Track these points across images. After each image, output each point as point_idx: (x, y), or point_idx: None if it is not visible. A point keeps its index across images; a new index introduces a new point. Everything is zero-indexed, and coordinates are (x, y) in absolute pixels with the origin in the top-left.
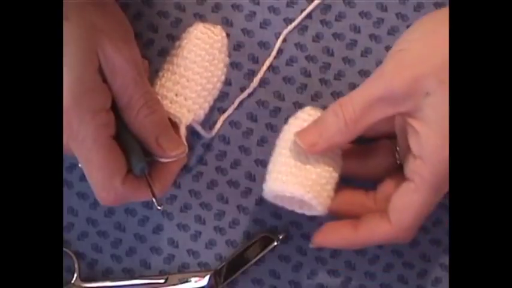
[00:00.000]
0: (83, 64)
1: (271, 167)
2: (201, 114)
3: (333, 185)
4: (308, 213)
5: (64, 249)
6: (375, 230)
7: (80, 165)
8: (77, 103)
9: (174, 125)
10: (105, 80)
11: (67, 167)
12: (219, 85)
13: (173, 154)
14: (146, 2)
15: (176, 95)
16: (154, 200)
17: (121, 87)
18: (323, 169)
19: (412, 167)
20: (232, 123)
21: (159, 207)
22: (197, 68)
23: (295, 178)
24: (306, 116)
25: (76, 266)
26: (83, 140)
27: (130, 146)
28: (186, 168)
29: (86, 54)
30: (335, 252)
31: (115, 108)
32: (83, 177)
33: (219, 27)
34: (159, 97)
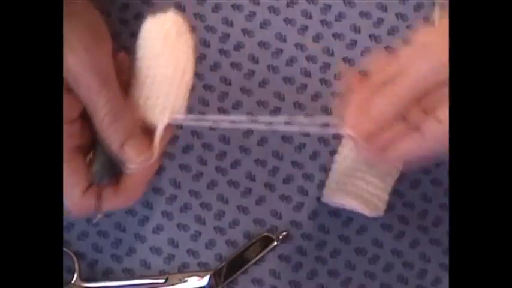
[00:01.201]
0: None
1: (335, 176)
2: (179, 108)
3: (389, 189)
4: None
5: (64, 249)
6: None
7: None
8: None
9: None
10: (72, 90)
11: None
12: (188, 69)
13: (139, 161)
14: (146, 2)
15: (147, 98)
16: (98, 215)
17: (85, 96)
18: (381, 178)
19: None
20: (230, 123)
21: (94, 220)
22: (156, 64)
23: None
24: None
25: (76, 266)
26: None
27: (97, 154)
28: (186, 168)
29: None
30: (335, 252)
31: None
32: None
33: (169, 12)
34: (135, 105)
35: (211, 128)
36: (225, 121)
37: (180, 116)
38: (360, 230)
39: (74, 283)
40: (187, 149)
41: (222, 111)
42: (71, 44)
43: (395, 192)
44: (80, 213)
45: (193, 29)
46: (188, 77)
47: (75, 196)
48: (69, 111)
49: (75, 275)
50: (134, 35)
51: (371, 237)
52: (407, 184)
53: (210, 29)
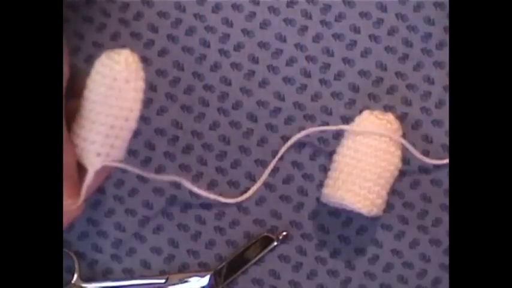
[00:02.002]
0: None
1: (334, 174)
2: (116, 154)
3: (388, 188)
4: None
5: (64, 249)
6: None
7: None
8: None
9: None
10: None
11: None
12: (132, 118)
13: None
14: (146, 2)
15: (84, 140)
16: None
17: None
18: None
19: None
20: (232, 123)
21: None
22: (99, 106)
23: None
24: (366, 123)
25: (76, 266)
26: None
27: None
28: (186, 168)
29: None
30: (335, 252)
31: None
32: None
33: (124, 51)
34: (73, 142)
35: (211, 128)
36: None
37: (114, 163)
38: (360, 230)
39: (74, 283)
40: (187, 149)
41: (221, 111)
42: None
43: (395, 192)
44: None
45: (193, 29)
46: (130, 125)
47: None
48: None
49: (75, 275)
50: (134, 35)
51: (371, 237)
52: (407, 184)
53: (210, 29)
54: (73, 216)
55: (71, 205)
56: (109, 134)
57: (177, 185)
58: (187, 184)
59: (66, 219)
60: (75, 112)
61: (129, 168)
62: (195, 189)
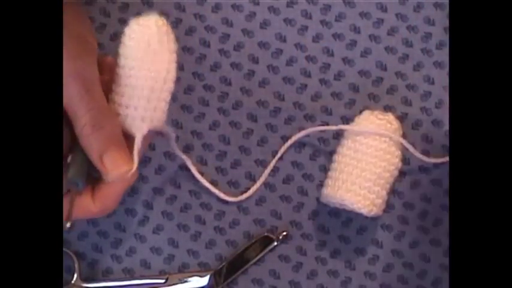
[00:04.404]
0: None
1: (334, 174)
2: (159, 117)
3: (387, 188)
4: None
5: (64, 249)
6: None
7: None
8: None
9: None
10: None
11: None
12: (170, 78)
13: (115, 174)
14: (146, 2)
15: (126, 107)
16: (66, 224)
17: (66, 104)
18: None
19: None
20: (232, 123)
21: (67, 225)
22: (138, 71)
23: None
24: (366, 123)
25: (76, 266)
26: None
27: (75, 159)
28: (186, 168)
29: None
30: (335, 252)
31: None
32: None
33: (153, 15)
34: (115, 112)
35: (211, 128)
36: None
37: (159, 127)
38: (360, 230)
39: (74, 283)
40: (187, 149)
41: (221, 111)
42: (65, 49)
43: (395, 193)
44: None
45: (193, 29)
46: (169, 86)
47: None
48: None
49: (75, 275)
50: None
51: (371, 237)
52: (407, 184)
53: (210, 29)
54: (131, 182)
55: (128, 172)
56: (150, 98)
57: (177, 185)
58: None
59: (124, 186)
60: (110, 84)
61: (172, 134)
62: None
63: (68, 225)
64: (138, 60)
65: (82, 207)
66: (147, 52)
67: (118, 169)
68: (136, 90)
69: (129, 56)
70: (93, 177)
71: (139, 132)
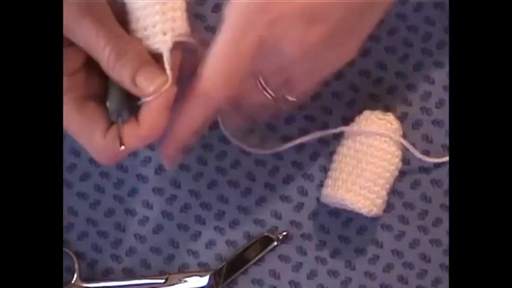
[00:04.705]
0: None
1: (334, 174)
2: (180, 26)
3: (387, 188)
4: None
5: (64, 249)
6: (195, 90)
7: None
8: None
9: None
10: (71, 43)
11: (67, 167)
12: None
13: (151, 90)
14: None
15: (145, 29)
16: (121, 142)
17: (84, 43)
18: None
19: (224, 12)
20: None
21: (121, 148)
22: None
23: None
24: (366, 123)
25: (76, 266)
26: None
27: (109, 97)
28: (186, 168)
29: None
30: (335, 252)
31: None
32: (83, 177)
33: None
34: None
35: (211, 128)
36: None
37: (183, 38)
38: (360, 230)
39: (74, 283)
40: (187, 149)
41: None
42: None
43: (395, 192)
44: (106, 157)
45: (193, 29)
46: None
47: (96, 140)
48: (70, 63)
49: (75, 275)
50: None
51: (371, 237)
52: (407, 184)
53: (210, 29)
54: (170, 97)
55: (163, 84)
56: (164, 10)
57: (177, 185)
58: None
59: (164, 102)
60: (122, 14)
61: (199, 47)
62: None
63: (122, 147)
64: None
65: (129, 134)
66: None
67: (153, 84)
68: (147, 8)
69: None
70: (134, 106)
71: (164, 45)
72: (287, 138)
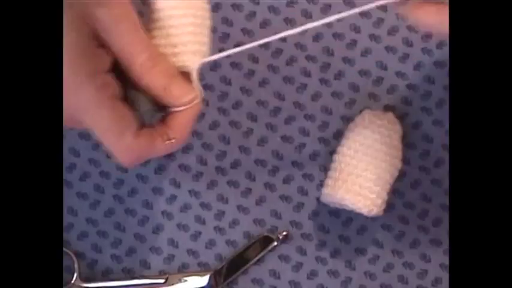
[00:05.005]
0: (74, 31)
1: (334, 174)
2: (206, 51)
3: (388, 188)
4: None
5: (64, 249)
6: None
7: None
8: (73, 68)
9: (186, 76)
10: (102, 45)
11: (67, 167)
12: (206, 16)
13: (187, 100)
14: (146, 2)
15: (174, 46)
16: (168, 138)
17: (120, 45)
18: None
19: None
20: (232, 123)
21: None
22: (177, 11)
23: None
24: (366, 123)
25: (76, 266)
26: (85, 108)
27: (139, 101)
28: (186, 168)
29: (75, 21)
30: (335, 252)
31: (119, 71)
32: (83, 177)
33: None
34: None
35: (211, 128)
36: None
37: (210, 58)
38: (360, 230)
39: (74, 283)
40: (187, 149)
41: (221, 111)
42: None
43: (395, 192)
44: (132, 158)
45: None
46: (207, 23)
47: (127, 140)
48: (102, 64)
49: (75, 275)
50: None
51: (371, 237)
52: (407, 184)
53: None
54: (199, 109)
55: (196, 98)
56: (195, 32)
57: (177, 185)
58: None
59: (195, 113)
60: (154, 33)
61: (223, 54)
62: None
63: (173, 140)
64: (174, 3)
65: (158, 140)
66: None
67: (188, 94)
68: (181, 28)
69: (161, 9)
70: (161, 114)
71: (194, 65)
72: (287, 138)
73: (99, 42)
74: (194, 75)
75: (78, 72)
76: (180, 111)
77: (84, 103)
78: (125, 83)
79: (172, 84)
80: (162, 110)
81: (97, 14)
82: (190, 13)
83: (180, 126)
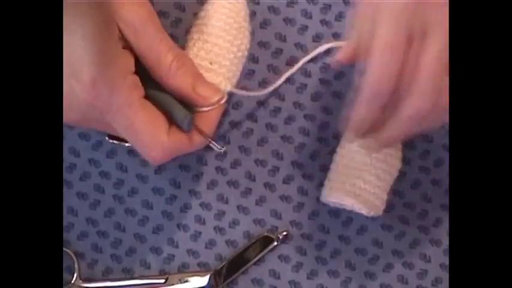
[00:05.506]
0: (102, 36)
1: (334, 174)
2: (235, 82)
3: (388, 188)
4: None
5: (64, 249)
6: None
7: (108, 139)
8: (103, 74)
9: None
10: (125, 47)
11: (67, 167)
12: (246, 53)
13: (214, 100)
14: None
15: (211, 63)
16: (213, 144)
17: (146, 47)
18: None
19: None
20: (232, 123)
21: (220, 149)
22: (227, 36)
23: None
24: None
25: (76, 266)
26: (118, 109)
27: (169, 103)
28: (186, 168)
29: (103, 25)
30: (335, 253)
31: (141, 71)
32: (83, 177)
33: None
34: (195, 62)
35: None
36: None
37: (235, 91)
38: (360, 230)
39: (73, 283)
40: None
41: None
42: (126, 1)
43: (395, 192)
44: (164, 156)
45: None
46: (244, 60)
47: (162, 138)
48: (129, 65)
49: (75, 275)
50: None
51: (371, 237)
52: (407, 184)
53: None
54: (221, 111)
55: (224, 97)
56: (233, 62)
57: (177, 185)
58: None
59: (220, 112)
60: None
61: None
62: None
63: (222, 149)
64: (228, 26)
65: (187, 140)
66: (236, 22)
67: (216, 95)
68: (223, 51)
69: (221, 20)
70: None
71: (223, 86)
72: (287, 138)
73: (124, 44)
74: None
75: (109, 77)
76: (206, 111)
77: (117, 107)
78: (148, 83)
79: (200, 84)
80: (188, 109)
81: (124, 15)
82: (237, 40)
83: (206, 126)
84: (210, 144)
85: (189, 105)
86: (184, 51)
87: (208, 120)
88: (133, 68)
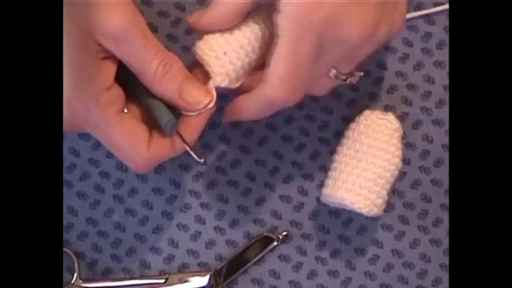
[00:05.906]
0: (79, 53)
1: (334, 174)
2: (235, 84)
3: (388, 188)
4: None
5: (64, 249)
6: (259, 94)
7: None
8: (77, 93)
9: (206, 75)
10: (107, 56)
11: (67, 167)
12: (258, 58)
13: (200, 106)
14: (146, 2)
15: (224, 53)
16: (192, 153)
17: (129, 55)
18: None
19: (275, 20)
20: (232, 123)
21: (199, 160)
22: (251, 40)
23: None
24: (366, 123)
25: (76, 266)
26: (95, 127)
27: (155, 106)
28: (186, 168)
29: (79, 42)
30: (335, 252)
31: (128, 72)
32: (83, 177)
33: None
34: (208, 46)
35: (211, 128)
36: None
37: (234, 85)
38: (360, 230)
39: (73, 283)
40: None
41: (221, 111)
42: (111, 5)
43: (396, 192)
44: (147, 167)
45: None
46: (252, 65)
47: (142, 152)
48: (106, 80)
49: (75, 275)
50: None
51: (371, 237)
52: (407, 184)
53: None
54: (211, 113)
55: (210, 103)
56: (245, 68)
57: (177, 185)
58: None
59: (207, 117)
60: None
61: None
62: None
63: (201, 160)
64: (250, 36)
65: (166, 145)
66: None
67: (203, 101)
68: (241, 50)
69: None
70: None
71: (219, 77)
72: (287, 138)
73: (105, 55)
74: (211, 84)
75: (85, 93)
76: (193, 115)
77: (94, 121)
78: (136, 86)
79: (186, 90)
80: (175, 112)
81: (102, 26)
82: (251, 49)
83: (192, 131)
84: (190, 152)
85: (176, 108)
86: (172, 53)
87: (193, 125)
88: (111, 81)
